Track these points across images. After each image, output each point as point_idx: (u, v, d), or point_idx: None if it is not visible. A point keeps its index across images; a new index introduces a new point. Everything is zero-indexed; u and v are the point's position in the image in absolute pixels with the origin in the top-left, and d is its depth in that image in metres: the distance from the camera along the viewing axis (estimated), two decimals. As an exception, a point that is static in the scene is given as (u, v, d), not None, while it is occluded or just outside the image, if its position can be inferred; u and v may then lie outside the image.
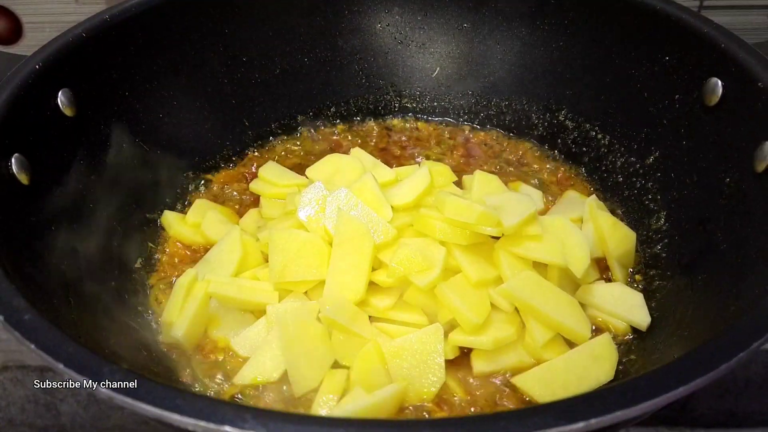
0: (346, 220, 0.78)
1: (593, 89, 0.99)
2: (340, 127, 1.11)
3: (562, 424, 0.45)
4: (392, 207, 0.82)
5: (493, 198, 0.81)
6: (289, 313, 0.75)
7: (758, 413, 1.23)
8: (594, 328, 0.79)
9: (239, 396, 0.75)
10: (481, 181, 0.88)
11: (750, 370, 1.21)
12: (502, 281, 0.76)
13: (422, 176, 0.85)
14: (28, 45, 1.18)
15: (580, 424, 0.45)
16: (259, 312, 0.80)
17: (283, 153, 1.06)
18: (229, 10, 0.99)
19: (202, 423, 0.45)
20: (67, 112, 0.80)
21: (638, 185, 0.93)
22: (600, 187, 0.99)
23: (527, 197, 0.82)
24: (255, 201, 0.98)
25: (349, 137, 1.10)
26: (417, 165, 0.98)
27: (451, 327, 0.76)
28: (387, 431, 0.47)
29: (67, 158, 0.80)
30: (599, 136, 1.00)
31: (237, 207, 0.97)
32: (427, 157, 1.04)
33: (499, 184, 0.89)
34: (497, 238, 0.78)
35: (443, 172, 0.92)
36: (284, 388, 0.74)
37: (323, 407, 0.69)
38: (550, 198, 0.97)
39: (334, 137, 1.10)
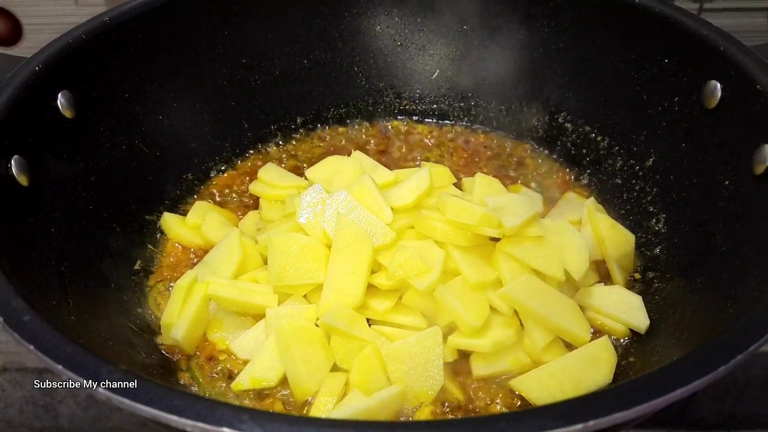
0: (345, 224, 0.78)
1: (593, 92, 0.99)
2: (340, 129, 1.11)
3: (561, 426, 0.45)
4: (392, 208, 0.81)
5: (494, 199, 0.81)
6: (288, 317, 0.75)
7: (758, 415, 1.22)
8: (593, 330, 0.79)
9: (238, 398, 0.75)
10: (482, 183, 0.88)
11: (750, 372, 1.21)
12: (502, 284, 0.76)
13: (422, 177, 0.85)
14: (28, 47, 1.18)
15: (578, 426, 0.45)
16: (257, 316, 0.80)
17: (282, 155, 1.07)
18: (229, 12, 0.99)
19: (200, 424, 0.46)
20: (67, 113, 0.80)
21: (637, 187, 0.93)
22: (599, 189, 0.99)
23: (528, 198, 0.82)
24: (255, 203, 0.97)
25: (349, 139, 1.10)
26: (417, 167, 0.97)
27: (450, 330, 0.76)
28: (385, 433, 0.47)
29: (66, 160, 0.80)
30: (599, 138, 1.00)
31: (237, 209, 0.97)
32: (427, 160, 1.04)
33: (499, 187, 0.89)
34: (497, 240, 0.78)
35: (443, 173, 0.92)
36: (284, 391, 0.74)
37: (322, 410, 0.69)
38: (549, 200, 0.97)
39: (334, 139, 1.10)
